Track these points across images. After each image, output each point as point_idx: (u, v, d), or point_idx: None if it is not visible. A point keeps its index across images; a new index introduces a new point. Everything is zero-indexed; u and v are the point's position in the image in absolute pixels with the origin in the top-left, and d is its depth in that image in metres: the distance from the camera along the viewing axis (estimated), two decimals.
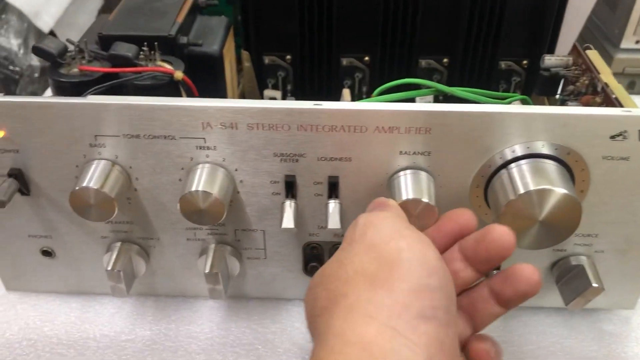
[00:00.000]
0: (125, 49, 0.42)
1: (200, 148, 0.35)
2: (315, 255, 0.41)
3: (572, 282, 0.39)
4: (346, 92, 0.54)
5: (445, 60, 0.54)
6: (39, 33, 0.98)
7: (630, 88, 0.82)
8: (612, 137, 0.34)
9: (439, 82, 0.55)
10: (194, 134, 0.34)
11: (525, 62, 0.54)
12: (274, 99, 0.55)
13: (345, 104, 0.34)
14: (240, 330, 0.41)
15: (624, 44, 0.77)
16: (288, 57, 0.54)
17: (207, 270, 0.38)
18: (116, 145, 0.35)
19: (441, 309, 0.26)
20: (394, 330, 0.24)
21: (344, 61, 0.54)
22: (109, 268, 0.38)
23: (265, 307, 0.42)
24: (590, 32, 0.86)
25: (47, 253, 0.41)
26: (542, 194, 0.33)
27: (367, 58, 0.54)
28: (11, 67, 0.95)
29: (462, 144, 0.34)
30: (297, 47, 0.53)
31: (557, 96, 0.49)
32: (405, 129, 0.34)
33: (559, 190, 0.32)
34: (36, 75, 0.96)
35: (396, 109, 0.33)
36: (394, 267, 0.26)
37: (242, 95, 0.57)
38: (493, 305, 0.30)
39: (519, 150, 0.34)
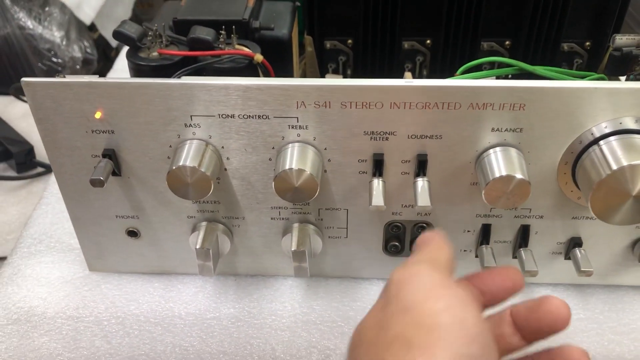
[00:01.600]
0: (205, 33, 0.43)
1: (292, 127, 0.36)
2: (396, 234, 0.41)
3: None
4: (408, 75, 0.54)
5: (507, 42, 0.54)
6: (80, 25, 0.99)
7: None
8: None
9: (499, 65, 0.55)
10: (288, 113, 0.35)
11: (588, 43, 0.54)
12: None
13: (439, 81, 0.34)
14: (322, 308, 0.41)
15: None
16: (349, 41, 0.55)
17: (294, 248, 0.38)
18: (210, 125, 0.36)
19: None
20: None
21: (406, 44, 0.54)
22: (198, 246, 0.39)
23: (344, 286, 0.43)
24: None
25: (132, 233, 0.42)
26: (635, 169, 0.33)
27: (428, 41, 0.54)
28: (54, 59, 0.96)
29: (554, 120, 0.34)
30: (360, 32, 0.53)
31: (627, 77, 0.49)
32: (499, 105, 0.34)
33: None
34: (78, 67, 0.97)
35: (492, 85, 0.33)
36: (432, 333, 0.24)
37: None
38: (517, 339, 0.29)
39: (610, 127, 0.34)
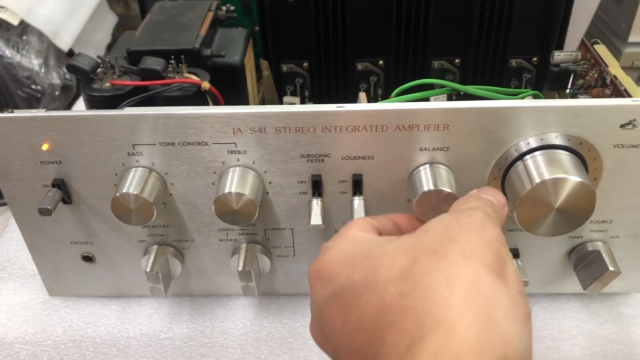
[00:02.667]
0: (154, 63, 0.44)
1: (231, 152, 0.37)
2: None
3: (589, 267, 0.40)
4: (362, 95, 0.56)
5: (457, 60, 0.56)
6: (59, 52, 1.01)
7: None
8: (622, 125, 0.35)
9: (452, 82, 0.57)
10: (225, 139, 0.37)
11: (535, 59, 0.56)
12: (293, 105, 0.58)
13: (367, 105, 0.36)
14: (272, 325, 0.43)
15: (631, 38, 0.78)
16: (305, 64, 0.57)
17: (240, 269, 0.40)
18: (152, 153, 0.37)
19: None
20: (515, 317, 0.24)
21: (359, 66, 0.56)
22: (148, 270, 0.40)
23: (295, 302, 0.44)
24: (598, 28, 0.87)
25: (87, 258, 0.43)
26: (557, 182, 0.34)
27: (381, 62, 0.56)
28: (33, 86, 0.98)
29: (478, 139, 0.36)
30: (314, 55, 0.55)
31: (568, 90, 0.51)
32: (424, 127, 0.36)
33: (573, 179, 0.34)
34: (57, 93, 0.99)
35: (415, 107, 0.35)
36: (506, 265, 0.26)
37: (263, 103, 0.59)
38: None
39: (533, 143, 0.36)
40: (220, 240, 0.42)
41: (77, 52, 1.03)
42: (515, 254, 0.41)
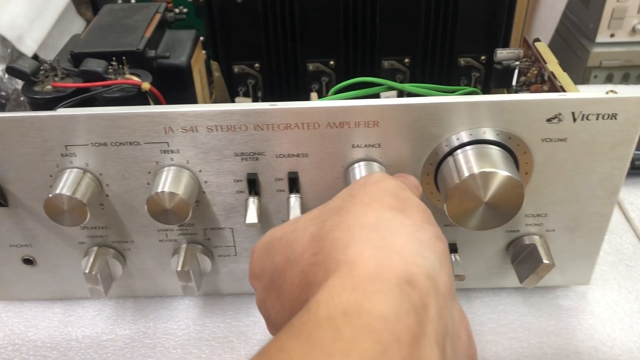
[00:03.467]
0: (94, 65, 0.44)
1: (164, 152, 0.37)
2: None
3: (525, 260, 0.41)
4: (314, 95, 0.57)
5: (407, 60, 0.56)
6: (24, 57, 1.00)
7: (609, 81, 0.85)
8: (548, 120, 0.36)
9: (402, 81, 0.58)
10: (157, 138, 0.37)
11: (483, 57, 0.56)
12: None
13: (297, 103, 0.36)
14: (215, 325, 0.43)
15: (599, 38, 0.79)
16: (256, 65, 0.57)
17: (178, 269, 0.40)
18: (86, 153, 0.37)
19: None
20: (418, 240, 0.26)
21: (310, 66, 0.57)
22: (87, 271, 0.40)
23: (239, 302, 0.45)
24: (567, 28, 0.88)
25: (28, 261, 0.43)
26: (486, 176, 0.35)
27: (332, 62, 0.56)
28: None
29: (408, 135, 0.36)
30: (264, 56, 0.55)
31: (513, 87, 0.52)
32: (354, 124, 0.36)
33: (501, 172, 0.35)
34: (22, 98, 0.98)
35: (344, 105, 0.35)
36: (407, 202, 0.28)
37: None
38: None
39: (464, 138, 0.36)
40: (160, 240, 0.42)
41: (42, 57, 1.02)
42: (453, 248, 0.42)
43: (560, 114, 0.36)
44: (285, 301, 0.27)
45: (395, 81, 0.57)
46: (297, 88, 0.58)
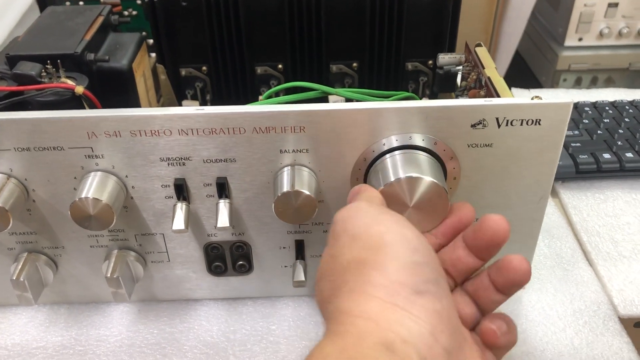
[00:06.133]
0: (28, 68, 0.44)
1: (89, 157, 0.37)
2: (217, 255, 0.42)
3: None
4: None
5: (354, 64, 0.56)
6: None
7: (577, 84, 0.86)
8: (473, 125, 0.36)
9: (350, 85, 0.58)
10: (81, 143, 0.36)
11: (430, 62, 0.56)
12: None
13: (222, 108, 0.36)
14: (148, 331, 0.42)
15: (567, 42, 0.80)
16: (204, 68, 0.56)
17: (107, 275, 0.39)
18: (10, 158, 0.37)
19: (431, 282, 0.28)
20: (394, 305, 0.26)
21: (259, 69, 0.56)
22: (14, 278, 0.39)
23: (174, 308, 0.44)
24: (536, 31, 0.89)
25: None
26: (411, 181, 0.35)
27: (280, 66, 0.56)
28: None
29: (335, 140, 0.36)
30: (211, 59, 0.55)
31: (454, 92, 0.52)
32: (280, 129, 0.36)
33: (426, 178, 0.35)
34: None
35: (268, 110, 0.35)
36: (380, 250, 0.28)
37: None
38: (494, 293, 0.32)
39: (390, 143, 0.37)
40: (91, 246, 0.41)
41: None
42: None
43: (484, 119, 0.36)
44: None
45: (343, 84, 0.58)
46: (246, 91, 0.57)
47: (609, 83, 0.85)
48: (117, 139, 0.36)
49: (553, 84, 0.86)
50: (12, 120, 0.36)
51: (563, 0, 0.79)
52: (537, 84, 0.87)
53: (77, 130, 0.36)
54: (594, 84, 0.86)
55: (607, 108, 0.63)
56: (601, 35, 0.80)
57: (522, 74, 0.90)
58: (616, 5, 0.77)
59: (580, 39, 0.81)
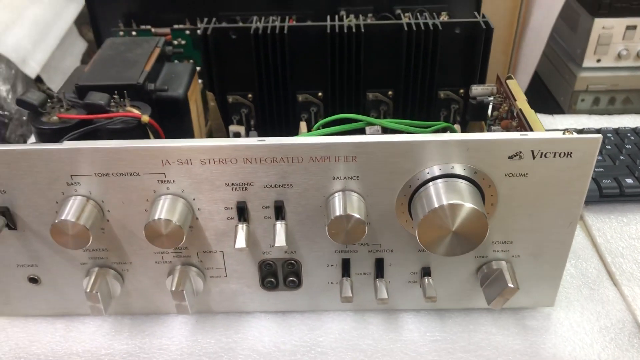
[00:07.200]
0: (98, 98, 0.48)
1: (161, 182, 0.41)
2: (270, 271, 0.46)
3: (493, 284, 0.44)
4: (303, 124, 0.60)
5: (390, 92, 0.60)
6: (26, 78, 1.04)
7: (595, 104, 0.88)
8: (510, 157, 0.40)
9: (385, 112, 0.62)
10: (155, 170, 0.40)
11: (462, 91, 0.60)
12: (239, 133, 0.62)
13: (283, 139, 0.40)
14: (206, 341, 0.46)
15: (586, 63, 0.82)
16: (249, 95, 0.61)
17: (172, 289, 0.43)
18: (89, 183, 0.41)
19: None
20: None
21: (300, 97, 0.60)
22: (87, 290, 0.43)
23: (229, 320, 0.48)
24: (555, 52, 0.92)
25: (33, 280, 0.46)
26: (453, 208, 0.38)
27: (320, 94, 0.60)
28: (1, 112, 1.01)
29: (384, 168, 0.40)
30: (257, 87, 0.59)
31: (487, 121, 0.55)
32: (335, 158, 0.40)
33: (467, 205, 0.38)
34: (24, 118, 1.02)
35: (325, 142, 0.39)
36: None
37: (210, 131, 0.63)
38: None
39: (434, 172, 0.40)
40: (156, 262, 0.45)
41: (45, 78, 1.06)
42: (427, 272, 0.45)
43: (520, 152, 0.39)
44: None
45: (379, 112, 0.62)
46: (288, 117, 0.61)
47: (627, 103, 0.87)
48: (189, 166, 0.40)
49: (571, 104, 0.89)
50: (93, 149, 0.40)
51: (581, 23, 0.82)
52: (555, 104, 0.89)
53: (152, 159, 0.40)
54: (611, 104, 0.89)
55: (629, 134, 0.66)
56: (619, 57, 0.82)
57: (540, 94, 0.93)
58: (634, 27, 0.80)
59: (598, 60, 0.83)
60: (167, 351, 0.45)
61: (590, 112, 0.85)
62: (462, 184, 0.40)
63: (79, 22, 1.13)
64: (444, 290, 0.47)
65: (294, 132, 0.60)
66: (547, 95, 0.92)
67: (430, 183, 0.40)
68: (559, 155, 0.39)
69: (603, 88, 0.85)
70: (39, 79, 1.04)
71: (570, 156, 0.39)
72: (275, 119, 0.61)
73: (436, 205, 0.38)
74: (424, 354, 0.45)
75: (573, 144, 0.39)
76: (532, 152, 0.39)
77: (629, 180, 0.59)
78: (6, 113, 1.01)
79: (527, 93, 0.84)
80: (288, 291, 0.47)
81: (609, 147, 0.65)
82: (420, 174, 0.40)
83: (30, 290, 0.47)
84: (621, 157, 0.63)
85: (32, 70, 1.02)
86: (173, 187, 0.41)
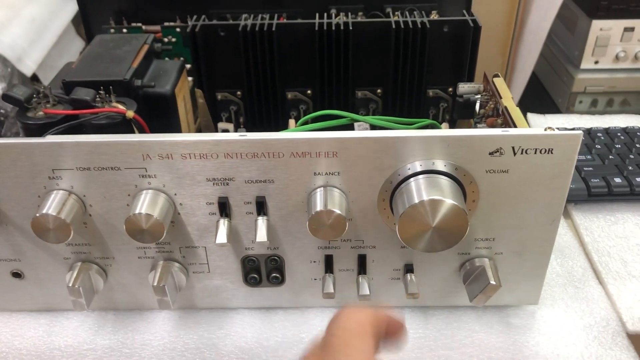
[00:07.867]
0: (83, 93, 0.48)
1: (143, 176, 0.41)
2: (253, 267, 0.46)
3: (475, 281, 0.44)
4: (292, 122, 0.60)
5: (379, 90, 0.60)
6: (22, 77, 1.04)
7: (593, 106, 0.88)
8: (491, 153, 0.40)
9: (375, 110, 0.62)
10: (135, 164, 0.40)
11: (450, 89, 0.60)
12: (227, 130, 0.62)
13: (264, 134, 0.40)
14: (188, 337, 0.46)
15: (584, 65, 0.82)
16: (238, 92, 0.61)
17: (154, 284, 0.43)
18: (71, 177, 0.41)
19: None
20: None
21: (289, 95, 0.61)
22: (70, 285, 0.43)
23: (212, 316, 0.48)
24: (553, 54, 0.92)
25: (17, 275, 0.46)
26: (433, 203, 0.38)
27: (309, 92, 0.60)
28: None
29: (364, 165, 0.40)
30: (245, 84, 0.59)
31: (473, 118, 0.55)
32: (315, 154, 0.40)
33: (447, 201, 0.38)
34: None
35: (306, 137, 0.39)
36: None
37: (199, 129, 0.63)
38: None
39: (415, 168, 0.40)
40: (139, 257, 0.45)
41: (41, 76, 1.06)
42: (410, 269, 0.45)
43: (501, 148, 0.39)
44: None
45: (368, 109, 0.61)
46: (277, 115, 0.61)
47: (625, 105, 0.86)
48: (170, 161, 0.40)
49: (569, 105, 0.88)
50: (75, 143, 0.40)
51: (579, 24, 0.82)
52: (553, 105, 0.89)
53: (133, 153, 0.40)
54: (609, 105, 0.88)
55: (619, 134, 0.66)
56: (617, 58, 0.82)
57: (538, 96, 0.93)
58: (632, 29, 0.79)
59: (596, 62, 0.83)
60: (149, 346, 0.45)
61: (588, 113, 0.85)
62: (443, 180, 0.40)
63: (76, 21, 1.13)
64: (427, 287, 0.46)
65: (283, 129, 0.60)
66: (545, 97, 0.92)
67: (412, 179, 0.40)
68: (540, 152, 0.39)
69: (601, 90, 0.85)
70: (35, 78, 1.05)
71: (552, 153, 0.39)
72: (265, 117, 0.61)
73: (416, 201, 0.38)
74: (406, 350, 0.45)
75: (554, 140, 0.39)
76: (513, 148, 0.39)
77: (618, 180, 0.59)
78: (2, 111, 1.01)
79: (525, 94, 0.85)
80: (271, 287, 0.47)
81: (599, 147, 0.64)
82: (401, 169, 0.40)
83: (14, 285, 0.47)
84: (610, 157, 0.62)
85: (28, 69, 1.02)
86: (154, 181, 0.41)
